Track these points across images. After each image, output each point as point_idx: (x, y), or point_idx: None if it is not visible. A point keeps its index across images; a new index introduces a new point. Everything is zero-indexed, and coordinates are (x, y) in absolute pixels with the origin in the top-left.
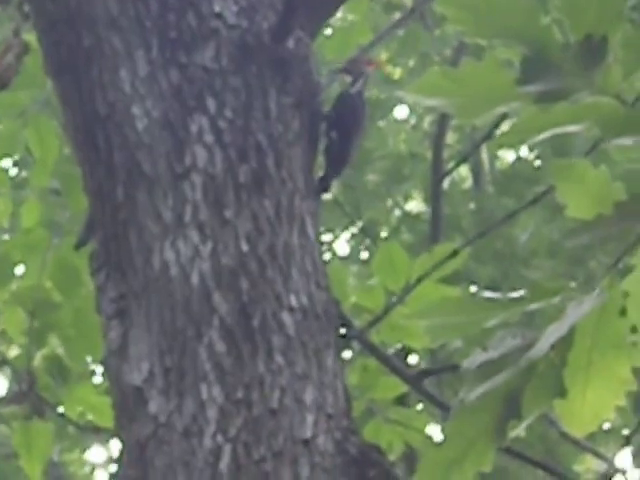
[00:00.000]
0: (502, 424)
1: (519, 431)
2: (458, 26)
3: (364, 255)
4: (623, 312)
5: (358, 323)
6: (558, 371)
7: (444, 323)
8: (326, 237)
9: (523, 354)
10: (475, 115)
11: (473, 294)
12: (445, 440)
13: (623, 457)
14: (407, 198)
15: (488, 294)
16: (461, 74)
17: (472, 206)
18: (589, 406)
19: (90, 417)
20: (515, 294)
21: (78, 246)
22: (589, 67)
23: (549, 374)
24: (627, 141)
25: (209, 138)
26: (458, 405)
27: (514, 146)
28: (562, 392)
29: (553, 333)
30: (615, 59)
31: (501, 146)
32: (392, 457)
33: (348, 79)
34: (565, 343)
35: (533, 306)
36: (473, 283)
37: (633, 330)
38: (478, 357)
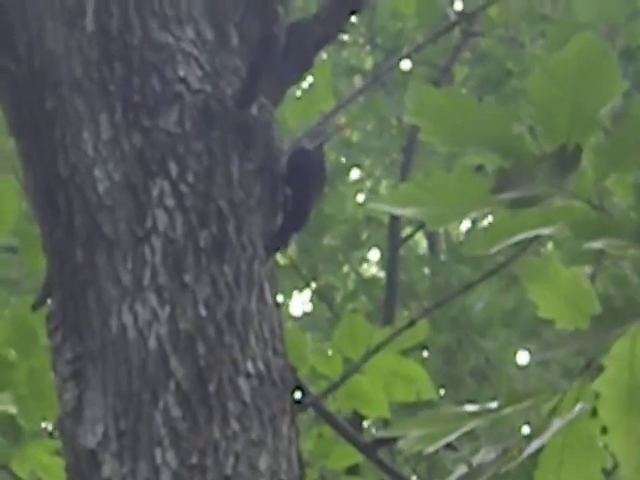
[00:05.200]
0: None
1: None
2: (431, 137)
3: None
4: (594, 413)
5: (314, 390)
6: (529, 472)
7: (424, 434)
8: (281, 299)
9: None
10: (448, 222)
11: (454, 408)
12: None
13: None
14: (363, 263)
15: (470, 407)
16: (434, 184)
17: (427, 271)
18: None
19: (41, 477)
20: (494, 404)
21: (36, 306)
22: (563, 175)
23: (520, 475)
24: (598, 244)
25: (170, 202)
26: None
27: (487, 249)
28: None
29: (533, 446)
30: (587, 164)
31: (474, 249)
32: None
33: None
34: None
35: (506, 411)
36: (426, 349)
37: (603, 431)
38: (460, 470)
